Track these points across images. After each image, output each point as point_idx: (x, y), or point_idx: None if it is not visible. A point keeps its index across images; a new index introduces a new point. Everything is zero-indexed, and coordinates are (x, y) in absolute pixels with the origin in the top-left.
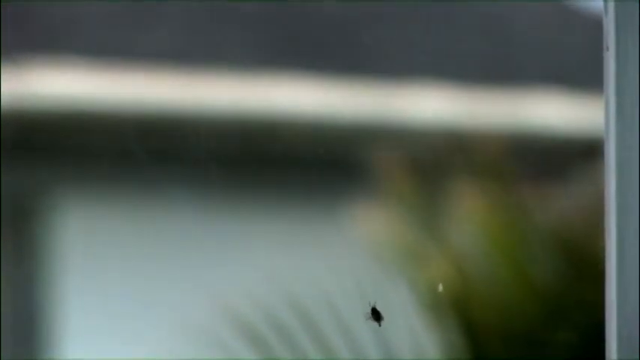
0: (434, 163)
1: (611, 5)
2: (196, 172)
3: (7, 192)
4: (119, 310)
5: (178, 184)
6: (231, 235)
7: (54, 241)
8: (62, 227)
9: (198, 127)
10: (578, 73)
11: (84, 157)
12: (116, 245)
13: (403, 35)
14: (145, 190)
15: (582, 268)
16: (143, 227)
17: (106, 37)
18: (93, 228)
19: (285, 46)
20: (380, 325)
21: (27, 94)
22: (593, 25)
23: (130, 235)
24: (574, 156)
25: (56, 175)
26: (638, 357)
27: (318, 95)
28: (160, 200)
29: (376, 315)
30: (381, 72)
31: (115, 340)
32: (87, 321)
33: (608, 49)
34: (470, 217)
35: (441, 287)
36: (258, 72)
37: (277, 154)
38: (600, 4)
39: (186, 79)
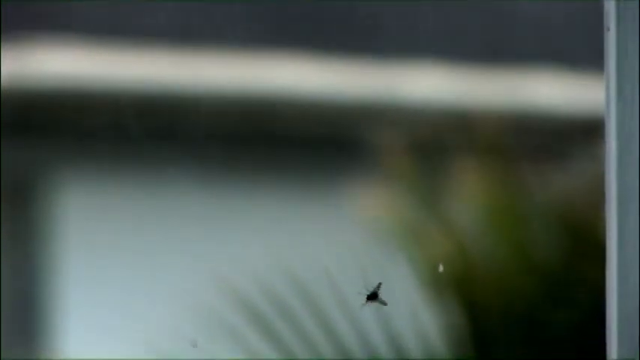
0: (435, 141)
1: None
2: (196, 151)
3: (6, 171)
4: (119, 289)
5: (178, 163)
6: (232, 213)
7: (53, 220)
8: (61, 206)
9: (198, 106)
10: (579, 52)
11: (83, 136)
12: (115, 224)
13: (404, 14)
14: (145, 169)
15: (583, 247)
16: (143, 206)
17: (105, 16)
18: (92, 207)
19: (285, 24)
20: (385, 304)
21: (26, 74)
22: (594, 5)
23: (129, 213)
24: (575, 135)
25: (55, 154)
26: (638, 357)
27: (319, 74)
28: (159, 179)
29: (373, 297)
30: (382, 51)
31: (115, 318)
32: (86, 299)
33: (608, 29)
34: (470, 196)
35: (441, 268)
36: (258, 50)
37: (278, 132)
38: None
39: (186, 58)
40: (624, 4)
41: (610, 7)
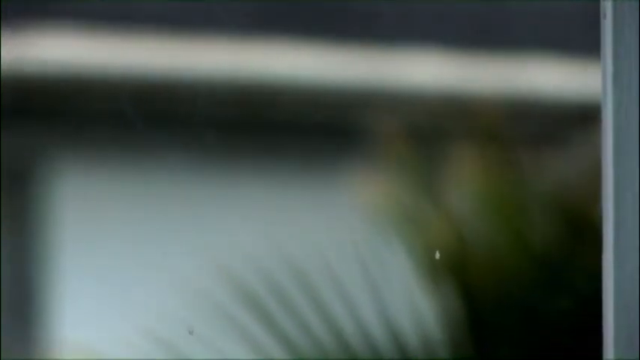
0: (432, 127)
1: None
2: (194, 137)
3: (4, 155)
4: (116, 273)
5: (176, 149)
6: (229, 199)
7: (50, 206)
8: (59, 192)
9: (196, 92)
10: (576, 38)
11: (80, 123)
12: (113, 209)
13: (402, 0)
14: (143, 155)
15: (581, 233)
16: (140, 191)
17: (104, 3)
18: (90, 193)
19: (283, 10)
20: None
21: (24, 59)
22: None
23: (127, 198)
24: (572, 121)
25: (53, 139)
26: (638, 357)
27: (316, 60)
28: (157, 165)
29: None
30: (380, 37)
31: (113, 305)
32: (83, 285)
33: (605, 16)
34: (468, 183)
35: (438, 255)
36: (256, 37)
37: (275, 118)
38: None
39: (184, 44)
40: None
41: None
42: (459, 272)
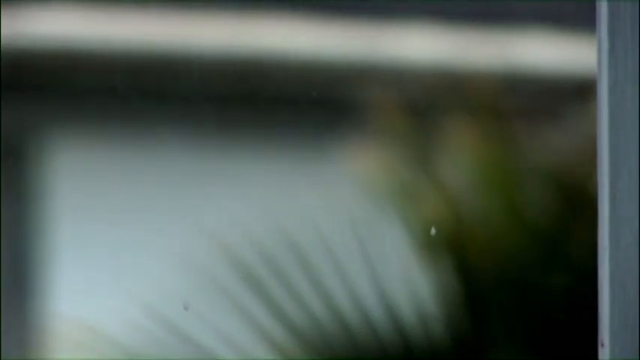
0: (427, 102)
1: None
2: (189, 112)
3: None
4: (111, 248)
5: (170, 124)
6: (225, 175)
7: (45, 179)
8: (53, 166)
9: (190, 67)
10: (573, 12)
11: (76, 96)
12: (108, 185)
13: None
14: (137, 129)
15: (578, 208)
16: (135, 165)
17: None
18: (84, 167)
19: None
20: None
21: (20, 34)
22: None
23: (122, 173)
24: (568, 95)
25: (47, 114)
26: (638, 357)
27: (311, 35)
28: (152, 140)
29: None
30: (374, 11)
31: (107, 277)
32: (77, 258)
33: None
34: (464, 157)
35: (433, 230)
36: (249, 11)
37: (270, 93)
38: None
39: (180, 20)
40: None
41: None
42: (455, 247)
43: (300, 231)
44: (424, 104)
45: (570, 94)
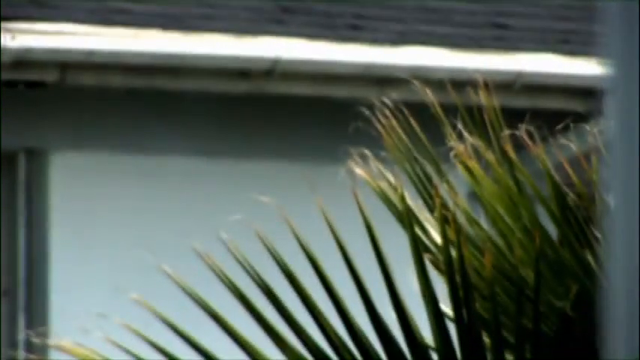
0: (430, 106)
1: None
2: (190, 110)
3: None
4: (105, 246)
5: (171, 123)
6: (223, 170)
7: (40, 178)
8: (48, 163)
9: (191, 65)
10: (577, 27)
11: (70, 95)
12: (103, 181)
13: None
14: (132, 127)
15: (579, 220)
16: (130, 163)
17: None
18: (79, 165)
19: None
20: None
21: (19, 39)
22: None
23: (116, 171)
24: (574, 104)
25: (47, 115)
26: (638, 357)
27: (319, 41)
28: (147, 137)
29: None
30: (383, 18)
31: (102, 276)
32: (73, 257)
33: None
34: (466, 170)
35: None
36: (257, 13)
37: (274, 97)
38: None
39: (177, 16)
40: None
41: None
42: (453, 265)
43: (300, 228)
44: (429, 114)
45: (577, 104)
